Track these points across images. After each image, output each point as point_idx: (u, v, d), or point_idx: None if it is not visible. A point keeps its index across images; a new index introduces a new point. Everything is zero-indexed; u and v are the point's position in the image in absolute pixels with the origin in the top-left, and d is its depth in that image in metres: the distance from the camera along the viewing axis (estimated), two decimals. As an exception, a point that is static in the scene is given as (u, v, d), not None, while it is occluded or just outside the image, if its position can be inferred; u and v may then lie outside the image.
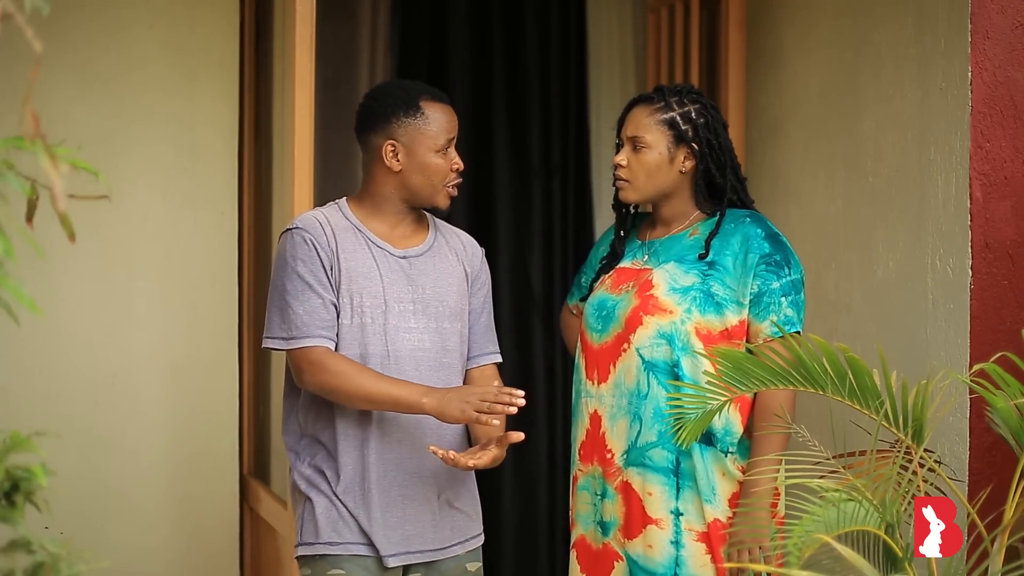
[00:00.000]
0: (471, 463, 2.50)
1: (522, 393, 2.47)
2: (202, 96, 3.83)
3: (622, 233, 2.91)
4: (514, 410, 2.45)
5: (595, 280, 2.91)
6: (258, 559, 3.83)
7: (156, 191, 3.79)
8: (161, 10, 3.78)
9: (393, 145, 2.64)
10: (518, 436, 2.52)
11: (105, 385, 3.72)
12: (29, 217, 1.34)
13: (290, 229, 2.65)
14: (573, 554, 2.83)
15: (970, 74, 2.90)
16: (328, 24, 4.08)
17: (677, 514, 2.66)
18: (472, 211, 4.50)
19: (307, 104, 3.18)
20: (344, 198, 2.75)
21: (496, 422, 2.47)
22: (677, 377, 2.67)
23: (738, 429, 2.69)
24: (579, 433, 2.83)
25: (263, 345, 2.65)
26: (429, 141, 2.64)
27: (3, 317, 1.26)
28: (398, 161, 2.65)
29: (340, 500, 2.60)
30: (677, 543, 2.66)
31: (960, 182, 2.93)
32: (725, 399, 2.39)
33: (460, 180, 2.71)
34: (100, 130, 3.69)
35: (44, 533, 1.35)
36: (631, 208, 2.93)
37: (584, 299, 2.93)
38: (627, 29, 4.65)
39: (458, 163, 2.69)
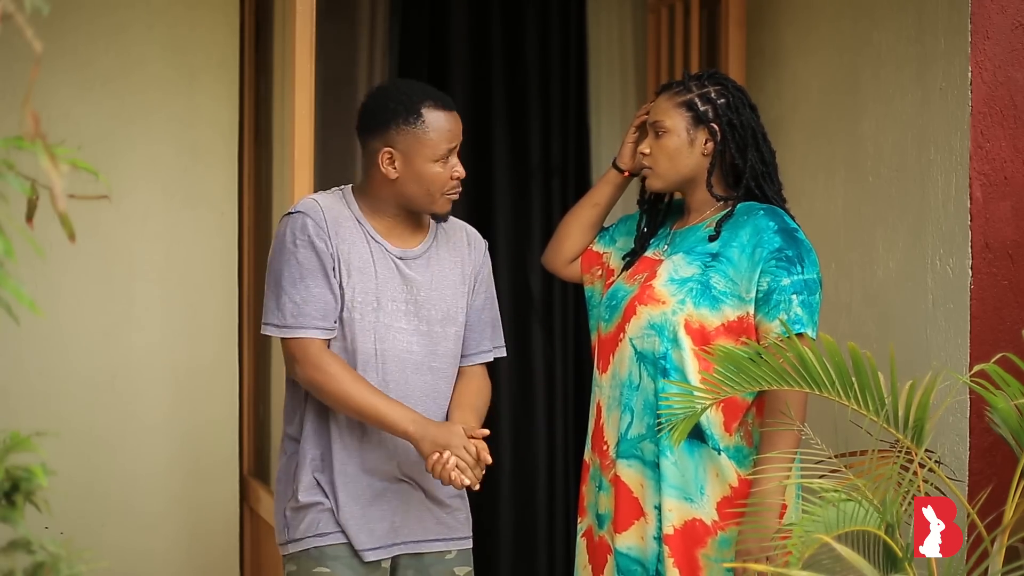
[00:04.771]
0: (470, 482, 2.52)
1: (488, 461, 2.51)
2: (202, 96, 3.83)
3: (645, 229, 2.85)
4: (477, 487, 2.50)
5: (620, 272, 2.87)
6: (258, 559, 3.83)
7: (156, 191, 3.79)
8: (161, 10, 3.78)
9: (390, 153, 2.56)
10: (483, 432, 2.56)
11: (105, 385, 3.72)
12: (29, 217, 1.34)
13: (291, 212, 2.59)
14: (583, 543, 2.81)
15: (970, 74, 2.90)
16: (328, 24, 4.08)
17: (659, 509, 2.61)
18: (471, 212, 4.50)
19: (307, 104, 3.17)
20: (349, 186, 2.70)
21: (463, 483, 2.49)
22: (664, 370, 2.61)
23: (720, 430, 2.60)
24: (590, 423, 2.82)
25: (261, 330, 2.62)
26: (428, 150, 2.55)
27: (3, 317, 1.26)
28: (394, 169, 2.56)
29: (326, 496, 2.58)
30: (659, 539, 2.61)
31: (960, 182, 2.93)
32: (712, 399, 2.38)
33: (460, 187, 2.63)
34: (100, 130, 3.69)
35: (44, 533, 1.35)
36: (653, 203, 2.86)
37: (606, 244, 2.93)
38: (627, 29, 4.64)
39: (459, 171, 2.59)
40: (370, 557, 2.58)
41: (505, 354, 2.84)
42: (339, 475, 2.58)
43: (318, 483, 2.59)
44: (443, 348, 2.66)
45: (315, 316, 2.53)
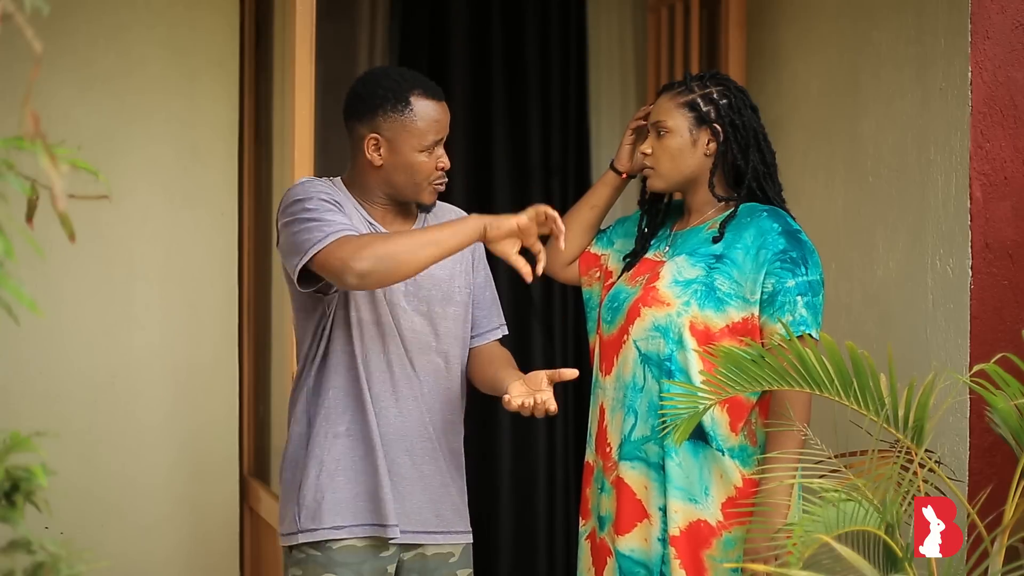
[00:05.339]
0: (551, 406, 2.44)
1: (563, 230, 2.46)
2: (202, 96, 3.83)
3: (646, 230, 2.84)
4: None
5: (621, 274, 2.87)
6: (258, 559, 3.83)
7: (156, 191, 3.79)
8: (161, 11, 3.78)
9: (376, 139, 2.53)
10: (572, 373, 2.47)
11: (105, 385, 3.72)
12: (29, 217, 1.34)
13: (298, 184, 2.55)
14: (586, 546, 2.81)
15: (970, 74, 2.90)
16: (328, 24, 4.09)
17: (664, 511, 2.60)
18: (471, 211, 4.50)
19: (307, 104, 3.18)
20: (339, 177, 2.66)
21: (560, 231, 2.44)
22: (669, 372, 2.61)
23: (726, 431, 2.60)
24: (591, 426, 2.81)
25: (294, 273, 2.45)
26: (414, 139, 2.52)
27: (3, 317, 1.26)
28: (379, 155, 2.54)
29: (340, 480, 2.54)
30: (664, 540, 2.60)
31: (960, 182, 2.93)
32: (714, 399, 2.38)
33: (445, 178, 2.61)
34: (100, 130, 3.69)
35: (44, 533, 1.35)
36: (654, 203, 2.86)
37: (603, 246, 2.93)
38: (627, 29, 4.65)
39: (444, 162, 2.58)
40: (387, 534, 2.54)
41: (507, 332, 2.82)
42: (375, 448, 2.53)
43: (335, 464, 2.54)
44: (444, 328, 2.64)
45: (339, 227, 2.42)
